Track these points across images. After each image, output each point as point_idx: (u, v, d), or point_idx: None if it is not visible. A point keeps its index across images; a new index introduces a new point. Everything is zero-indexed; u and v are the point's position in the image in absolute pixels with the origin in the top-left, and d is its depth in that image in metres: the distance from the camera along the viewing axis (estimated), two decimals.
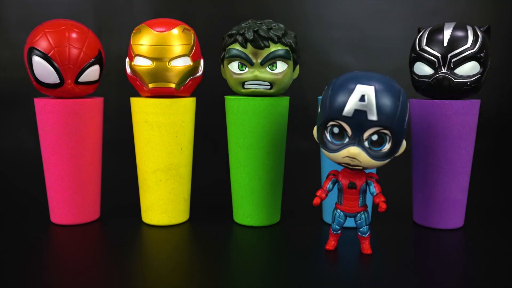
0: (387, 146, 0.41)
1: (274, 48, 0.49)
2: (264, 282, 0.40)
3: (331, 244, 0.47)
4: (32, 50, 0.49)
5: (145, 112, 0.51)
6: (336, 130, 0.42)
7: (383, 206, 0.42)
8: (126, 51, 0.53)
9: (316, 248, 0.47)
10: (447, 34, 0.50)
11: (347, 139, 0.41)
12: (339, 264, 0.44)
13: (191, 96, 0.56)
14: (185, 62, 0.51)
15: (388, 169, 0.85)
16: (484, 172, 0.85)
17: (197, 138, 0.61)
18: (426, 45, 0.51)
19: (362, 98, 0.40)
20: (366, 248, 0.46)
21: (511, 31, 1.18)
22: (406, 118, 0.42)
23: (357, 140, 0.41)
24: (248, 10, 1.18)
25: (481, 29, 0.51)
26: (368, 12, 1.17)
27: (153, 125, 0.51)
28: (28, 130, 1.10)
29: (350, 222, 0.54)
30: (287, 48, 0.50)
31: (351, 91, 0.40)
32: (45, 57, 0.49)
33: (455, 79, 0.50)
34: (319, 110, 0.44)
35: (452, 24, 0.51)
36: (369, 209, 0.55)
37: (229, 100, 0.53)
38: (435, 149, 0.52)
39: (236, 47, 0.50)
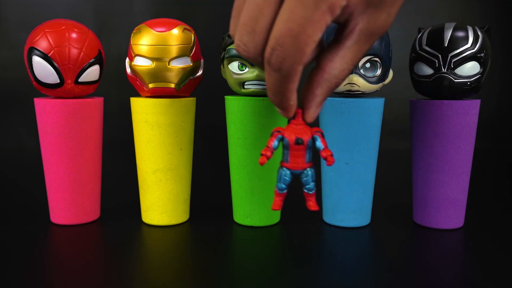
0: (378, 72, 0.51)
1: None
2: (264, 282, 0.40)
3: (277, 204, 0.44)
4: (32, 50, 0.49)
5: (145, 112, 0.51)
6: None
7: (331, 160, 0.41)
8: (126, 51, 0.53)
9: (316, 248, 0.47)
10: (447, 34, 0.50)
11: None
12: (339, 264, 0.44)
13: (191, 96, 0.56)
14: (185, 62, 0.51)
15: (388, 169, 0.85)
16: (484, 172, 0.86)
17: (197, 138, 0.61)
18: (427, 45, 0.51)
19: None
20: (313, 205, 0.44)
21: (511, 31, 1.18)
22: (390, 48, 0.52)
23: (353, 69, 0.48)
24: None
25: (481, 29, 0.51)
26: None
27: (153, 125, 0.51)
28: (28, 130, 1.10)
29: (350, 222, 0.54)
30: None
31: None
32: (45, 57, 0.49)
33: (455, 79, 0.50)
34: None
35: (453, 24, 0.51)
36: (364, 210, 0.55)
37: (229, 100, 0.53)
38: (435, 149, 0.52)
39: None
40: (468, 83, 0.50)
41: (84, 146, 0.53)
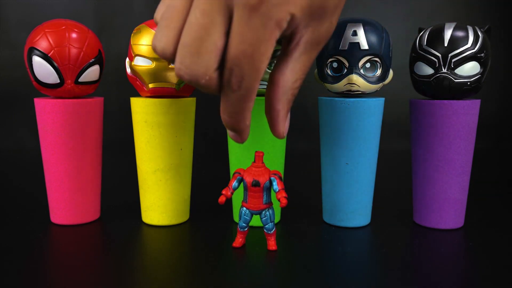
0: (378, 72, 0.51)
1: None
2: (264, 282, 0.40)
3: (238, 241, 0.47)
4: (32, 50, 0.49)
5: (145, 112, 0.51)
6: (335, 64, 0.51)
7: (283, 202, 0.42)
8: (126, 51, 0.53)
9: (316, 248, 0.47)
10: (447, 34, 0.50)
11: (345, 70, 0.50)
12: (339, 264, 0.44)
13: (191, 96, 0.56)
14: None
15: (388, 169, 0.85)
16: (484, 172, 0.86)
17: (197, 138, 0.61)
18: (427, 45, 0.51)
19: (354, 33, 0.49)
20: (272, 244, 0.46)
21: (511, 31, 1.18)
22: (390, 48, 0.52)
23: (353, 69, 0.50)
24: None
25: (482, 29, 0.51)
26: (368, 12, 1.18)
27: (153, 125, 0.51)
28: (28, 130, 1.10)
29: (350, 222, 0.54)
30: None
31: (344, 30, 0.50)
32: (45, 57, 0.49)
33: (455, 79, 0.50)
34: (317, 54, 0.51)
35: (453, 24, 0.51)
36: (364, 210, 0.55)
37: None
38: (435, 149, 0.52)
39: None
40: (468, 83, 0.50)
41: (84, 146, 0.53)
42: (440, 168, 0.52)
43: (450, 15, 1.19)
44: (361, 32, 0.49)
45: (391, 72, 0.53)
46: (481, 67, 0.50)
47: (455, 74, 0.50)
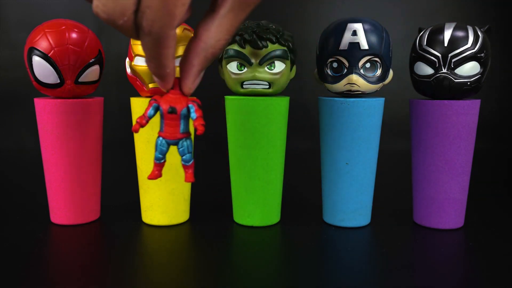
0: (378, 72, 0.51)
1: (272, 48, 0.50)
2: (264, 282, 0.40)
3: (154, 174, 0.44)
4: (32, 50, 0.49)
5: None
6: (335, 64, 0.51)
7: (200, 129, 0.40)
8: (126, 51, 0.53)
9: (316, 248, 0.47)
10: (447, 34, 0.50)
11: (345, 70, 0.50)
12: (339, 264, 0.44)
13: (192, 96, 0.55)
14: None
15: (388, 169, 0.85)
16: (484, 172, 0.86)
17: (197, 138, 0.61)
18: (427, 45, 0.51)
19: (354, 33, 0.49)
20: (189, 176, 0.43)
21: (511, 31, 1.18)
22: (390, 48, 0.52)
23: (353, 69, 0.50)
24: None
25: (482, 29, 0.51)
26: (368, 12, 1.18)
27: (153, 125, 0.51)
28: (28, 130, 1.10)
29: (350, 222, 0.54)
30: (285, 48, 0.50)
31: (343, 30, 0.50)
32: (45, 57, 0.49)
33: (455, 79, 0.50)
34: (317, 54, 0.54)
35: (453, 24, 0.51)
36: (364, 210, 0.55)
37: (229, 100, 0.53)
38: (435, 149, 0.52)
39: (235, 47, 0.50)
40: (468, 83, 0.50)
41: (84, 146, 0.53)
42: (440, 168, 0.52)
43: (450, 15, 1.19)
44: (361, 32, 0.49)
45: (391, 72, 0.53)
46: (481, 67, 0.50)
47: (455, 74, 0.50)
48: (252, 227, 0.54)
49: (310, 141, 1.08)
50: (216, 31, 0.35)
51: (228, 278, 0.41)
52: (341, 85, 0.51)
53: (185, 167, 0.43)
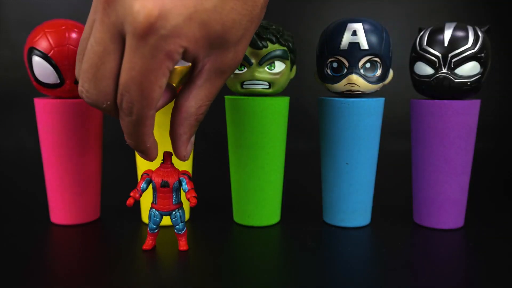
0: (378, 72, 0.51)
1: (272, 48, 0.50)
2: (264, 282, 0.40)
3: (148, 243, 0.46)
4: (32, 50, 0.49)
5: None
6: (335, 64, 0.51)
7: (192, 201, 0.42)
8: None
9: (316, 248, 0.47)
10: (447, 34, 0.50)
11: (345, 70, 0.50)
12: (339, 264, 0.44)
13: None
14: (184, 63, 0.51)
15: (388, 169, 0.85)
16: (484, 172, 0.86)
17: (197, 138, 0.61)
18: (427, 45, 0.51)
19: (354, 33, 0.49)
20: (183, 244, 0.46)
21: (511, 31, 1.18)
22: (390, 48, 0.51)
23: (353, 69, 0.50)
24: None
25: (482, 29, 0.51)
26: (368, 12, 1.18)
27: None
28: (28, 130, 1.10)
29: (350, 222, 0.54)
30: (285, 48, 0.50)
31: (344, 30, 0.50)
32: (45, 57, 0.49)
33: (456, 79, 0.50)
34: (317, 55, 0.53)
35: (453, 24, 0.51)
36: (364, 210, 0.55)
37: (229, 100, 0.53)
38: (435, 149, 0.52)
39: None
40: (468, 83, 0.50)
41: (84, 146, 0.53)
42: (440, 168, 0.52)
43: (450, 15, 1.19)
44: (361, 32, 0.49)
45: (391, 72, 0.53)
46: (481, 67, 0.50)
47: (455, 74, 0.50)
48: (252, 227, 0.54)
49: (310, 141, 1.08)
50: (195, 100, 0.37)
51: (228, 278, 0.41)
52: (341, 85, 0.51)
53: (178, 235, 0.46)
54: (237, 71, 0.51)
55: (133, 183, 0.63)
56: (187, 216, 0.56)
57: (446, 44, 0.50)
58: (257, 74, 0.50)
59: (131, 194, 0.44)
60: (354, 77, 0.50)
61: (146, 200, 0.54)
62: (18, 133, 1.11)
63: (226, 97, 0.54)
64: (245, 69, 0.50)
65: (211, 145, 1.07)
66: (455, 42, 0.49)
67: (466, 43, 0.49)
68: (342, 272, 0.42)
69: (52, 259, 0.44)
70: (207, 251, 0.47)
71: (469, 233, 0.52)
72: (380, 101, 0.52)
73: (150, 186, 0.51)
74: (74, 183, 0.53)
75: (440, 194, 0.52)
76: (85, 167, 0.53)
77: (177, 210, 0.45)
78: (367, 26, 0.50)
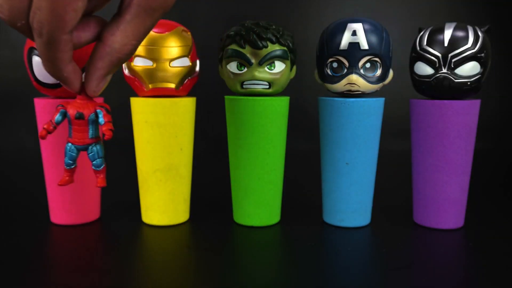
0: (378, 72, 0.51)
1: (272, 48, 0.50)
2: (264, 282, 0.40)
3: (64, 179, 0.44)
4: (32, 50, 0.49)
5: (145, 112, 0.51)
6: (335, 64, 0.51)
7: (108, 134, 0.40)
8: None
9: (316, 248, 0.47)
10: (447, 34, 0.50)
11: (345, 70, 0.51)
12: (338, 264, 0.44)
13: (192, 96, 0.56)
14: (184, 63, 0.51)
15: (388, 169, 0.85)
16: (484, 172, 0.86)
17: (197, 138, 0.61)
18: (427, 45, 0.51)
19: (354, 33, 0.49)
20: (101, 181, 0.44)
21: (511, 31, 1.18)
22: (390, 48, 0.52)
23: (353, 69, 0.50)
24: (247, 10, 1.18)
25: (482, 29, 0.51)
26: (368, 12, 1.18)
27: (153, 125, 0.51)
28: (28, 130, 1.10)
29: (350, 222, 0.54)
30: (285, 48, 0.50)
31: (344, 30, 0.50)
32: None
33: (456, 79, 0.50)
34: (317, 55, 0.54)
35: (453, 24, 0.51)
36: (364, 210, 0.55)
37: (229, 100, 0.53)
38: (435, 149, 0.52)
39: (235, 47, 0.50)
40: (468, 83, 0.50)
41: None
42: (440, 168, 0.52)
43: (450, 15, 1.19)
44: (361, 32, 0.49)
45: (391, 72, 0.53)
46: (481, 67, 0.50)
47: (455, 74, 0.50)
48: (252, 227, 0.54)
49: (310, 141, 1.08)
50: (121, 35, 0.35)
51: (228, 278, 0.41)
52: (341, 85, 0.51)
53: (96, 172, 0.43)
54: (237, 71, 0.51)
55: (133, 183, 0.63)
56: (187, 216, 0.56)
57: (446, 44, 0.50)
58: (257, 74, 0.50)
59: (45, 126, 0.41)
60: (354, 77, 0.50)
61: (147, 200, 0.54)
62: (18, 133, 1.11)
63: (226, 97, 0.54)
64: (245, 69, 0.50)
65: (211, 145, 1.07)
66: (455, 42, 0.49)
67: (466, 43, 0.49)
68: (342, 272, 0.42)
69: (52, 259, 0.44)
70: (207, 251, 0.47)
71: (469, 233, 0.52)
72: (380, 101, 0.52)
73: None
74: (74, 183, 0.53)
75: (440, 194, 0.52)
76: (85, 167, 0.53)
77: (94, 144, 0.42)
78: (367, 26, 0.50)
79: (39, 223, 0.54)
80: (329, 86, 0.52)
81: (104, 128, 0.40)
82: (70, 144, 0.42)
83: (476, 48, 0.49)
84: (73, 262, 0.43)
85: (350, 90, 0.51)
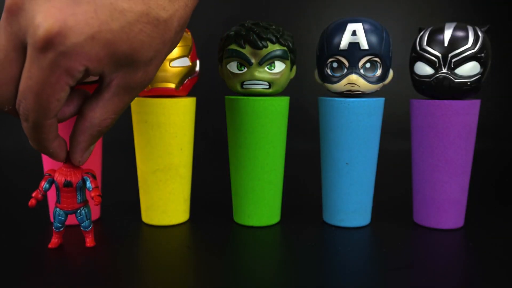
0: (378, 72, 0.51)
1: (272, 48, 0.50)
2: (264, 282, 0.40)
3: (54, 242, 0.46)
4: None
5: (145, 112, 0.51)
6: (335, 64, 0.51)
7: (97, 200, 0.42)
8: None
9: (316, 248, 0.47)
10: (447, 34, 0.50)
11: (345, 70, 0.50)
12: (339, 264, 0.44)
13: (192, 96, 0.56)
14: (184, 63, 0.51)
15: (388, 169, 0.85)
16: (484, 172, 0.86)
17: (197, 138, 0.61)
18: (427, 45, 0.51)
19: (354, 33, 0.49)
20: (90, 241, 0.46)
21: (511, 31, 1.18)
22: (390, 48, 0.51)
23: (353, 69, 0.50)
24: (247, 11, 1.18)
25: (482, 29, 0.51)
26: (368, 12, 1.18)
27: (153, 125, 0.51)
28: None
29: (350, 222, 0.54)
30: (285, 48, 0.51)
31: (344, 30, 0.50)
32: None
33: (456, 79, 0.50)
34: (317, 55, 0.53)
35: (453, 24, 0.51)
36: (364, 210, 0.55)
37: (229, 100, 0.53)
38: (435, 149, 0.52)
39: (235, 47, 0.50)
40: (468, 83, 0.50)
41: None
42: (440, 168, 0.52)
43: (450, 15, 1.19)
44: (361, 32, 0.49)
45: (391, 72, 0.53)
46: (481, 67, 0.50)
47: (455, 74, 0.50)
48: (252, 227, 0.54)
49: (310, 141, 1.08)
50: (101, 112, 0.37)
51: (228, 278, 0.41)
52: (341, 85, 0.51)
53: (84, 232, 0.46)
54: (237, 71, 0.51)
55: (133, 183, 0.63)
56: (186, 217, 0.56)
57: (446, 44, 0.50)
58: (257, 74, 0.50)
59: (33, 195, 0.44)
60: (354, 77, 0.50)
61: (147, 200, 0.54)
62: (18, 133, 1.11)
63: (226, 97, 0.54)
64: (245, 69, 0.50)
65: (211, 145, 1.07)
66: (455, 42, 0.49)
67: (466, 43, 0.49)
68: (342, 272, 0.42)
69: (52, 259, 0.44)
70: (207, 251, 0.47)
71: (469, 233, 0.52)
72: (380, 101, 0.52)
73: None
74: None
75: (440, 194, 0.52)
76: (85, 167, 0.53)
77: (82, 208, 0.45)
78: (367, 26, 0.50)
79: (39, 223, 0.54)
80: (329, 86, 0.52)
81: (93, 194, 0.43)
82: (58, 209, 0.44)
83: (476, 48, 0.49)
84: (73, 262, 0.43)
85: (350, 90, 0.51)
